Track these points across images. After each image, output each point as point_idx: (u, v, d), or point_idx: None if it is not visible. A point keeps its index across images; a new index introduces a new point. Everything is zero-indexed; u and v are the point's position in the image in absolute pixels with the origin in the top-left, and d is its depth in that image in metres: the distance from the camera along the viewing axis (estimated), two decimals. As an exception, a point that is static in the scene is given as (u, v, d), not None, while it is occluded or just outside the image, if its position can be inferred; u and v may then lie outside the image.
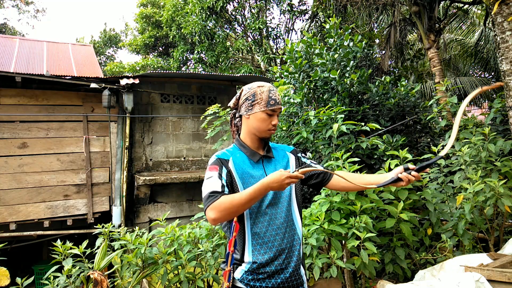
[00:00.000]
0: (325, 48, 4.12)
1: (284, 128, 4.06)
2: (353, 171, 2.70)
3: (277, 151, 1.66)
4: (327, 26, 4.19)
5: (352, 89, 3.93)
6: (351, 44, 4.03)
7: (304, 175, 1.65)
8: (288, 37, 11.06)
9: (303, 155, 1.73)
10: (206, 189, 1.42)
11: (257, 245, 1.47)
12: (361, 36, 4.35)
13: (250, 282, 1.45)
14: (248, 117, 1.55)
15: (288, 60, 4.14)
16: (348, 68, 3.93)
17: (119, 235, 2.92)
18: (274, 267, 1.45)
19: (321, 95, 4.11)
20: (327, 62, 3.98)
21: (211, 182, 1.43)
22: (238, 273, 1.49)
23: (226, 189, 1.42)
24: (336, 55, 3.96)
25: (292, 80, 4.19)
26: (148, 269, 2.75)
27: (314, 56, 4.11)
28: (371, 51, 5.79)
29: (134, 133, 6.25)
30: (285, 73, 4.20)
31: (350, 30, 4.29)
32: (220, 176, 1.45)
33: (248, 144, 1.58)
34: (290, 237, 1.50)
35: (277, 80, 4.51)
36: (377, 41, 8.60)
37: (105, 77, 6.27)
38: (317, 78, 3.91)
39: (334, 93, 3.96)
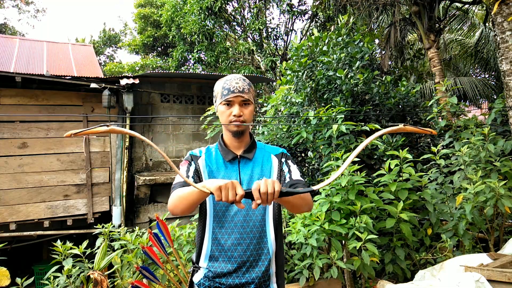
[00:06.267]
0: (331, 46, 4.12)
1: (284, 129, 4.06)
2: (353, 171, 2.71)
3: (262, 152, 1.48)
4: (339, 23, 4.20)
5: (355, 89, 3.94)
6: (360, 44, 4.04)
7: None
8: (288, 38, 11.06)
9: (288, 160, 1.48)
10: (175, 179, 1.39)
11: (216, 251, 1.37)
12: (362, 36, 4.35)
13: None
14: (217, 114, 1.46)
15: (294, 57, 4.14)
16: (353, 68, 3.93)
17: (119, 235, 2.92)
18: (232, 279, 1.34)
19: (322, 95, 4.11)
20: (333, 61, 3.99)
21: (177, 177, 1.39)
22: (197, 277, 1.40)
23: (191, 180, 1.34)
24: (343, 54, 3.96)
25: (295, 78, 4.20)
26: (148, 269, 2.74)
27: (320, 54, 4.12)
28: (373, 51, 5.79)
29: (134, 133, 6.25)
30: (288, 72, 4.20)
31: (364, 30, 4.30)
32: (187, 170, 1.39)
33: (226, 142, 1.46)
34: (256, 250, 1.36)
35: (279, 78, 4.51)
36: (376, 41, 8.60)
37: (105, 77, 6.27)
38: (321, 77, 3.91)
39: (337, 92, 3.96)
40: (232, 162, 1.43)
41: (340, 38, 4.16)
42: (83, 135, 1.05)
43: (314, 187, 1.15)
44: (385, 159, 3.32)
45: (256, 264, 1.36)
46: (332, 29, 4.79)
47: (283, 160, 1.47)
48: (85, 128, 1.04)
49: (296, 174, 1.44)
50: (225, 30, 11.38)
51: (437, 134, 4.18)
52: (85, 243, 2.80)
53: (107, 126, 1.05)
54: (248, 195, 1.07)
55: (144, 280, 2.43)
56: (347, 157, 2.79)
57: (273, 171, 1.44)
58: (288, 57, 10.15)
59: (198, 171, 1.41)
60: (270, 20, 11.27)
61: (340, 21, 4.19)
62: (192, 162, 1.42)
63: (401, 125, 1.17)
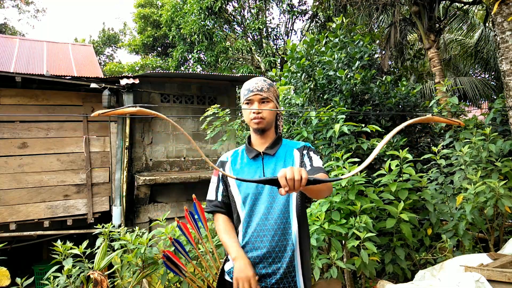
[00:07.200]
0: (329, 47, 4.12)
1: (284, 129, 4.06)
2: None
3: (286, 148, 1.54)
4: (333, 25, 4.20)
5: (355, 89, 3.94)
6: (360, 43, 4.05)
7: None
8: (288, 37, 11.06)
9: (310, 152, 1.51)
10: (208, 193, 1.59)
11: (243, 242, 1.44)
12: (362, 36, 4.36)
13: None
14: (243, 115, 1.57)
15: (290, 59, 4.14)
16: (353, 68, 3.93)
17: (119, 235, 2.92)
18: (258, 269, 1.38)
19: (321, 95, 4.11)
20: (334, 61, 3.99)
21: (210, 188, 1.58)
22: (228, 266, 1.48)
23: (220, 197, 1.53)
24: (343, 55, 3.97)
25: (292, 80, 4.19)
26: (148, 269, 2.75)
27: (317, 55, 4.12)
28: (373, 51, 5.79)
29: (134, 133, 6.25)
30: (285, 74, 4.20)
31: (363, 30, 4.31)
32: (216, 191, 1.55)
33: (252, 141, 1.56)
34: (281, 241, 1.39)
35: (277, 81, 4.51)
36: (376, 41, 8.59)
37: (104, 77, 6.27)
38: (321, 76, 3.91)
39: (337, 92, 3.97)
40: (256, 159, 1.50)
41: (337, 39, 4.16)
42: (110, 115, 1.07)
43: (343, 176, 1.18)
44: (385, 159, 3.32)
45: (282, 255, 1.40)
46: (330, 30, 4.80)
47: (304, 152, 1.52)
48: (113, 109, 1.06)
49: (317, 162, 1.47)
50: (225, 30, 11.38)
51: (439, 133, 4.18)
52: (85, 243, 2.80)
53: (135, 107, 1.08)
54: (274, 182, 1.08)
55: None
56: (349, 156, 2.79)
57: (295, 165, 1.48)
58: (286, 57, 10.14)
59: (226, 184, 1.54)
60: (270, 20, 11.28)
61: (335, 22, 4.19)
62: (221, 179, 1.55)
63: (429, 115, 1.19)
